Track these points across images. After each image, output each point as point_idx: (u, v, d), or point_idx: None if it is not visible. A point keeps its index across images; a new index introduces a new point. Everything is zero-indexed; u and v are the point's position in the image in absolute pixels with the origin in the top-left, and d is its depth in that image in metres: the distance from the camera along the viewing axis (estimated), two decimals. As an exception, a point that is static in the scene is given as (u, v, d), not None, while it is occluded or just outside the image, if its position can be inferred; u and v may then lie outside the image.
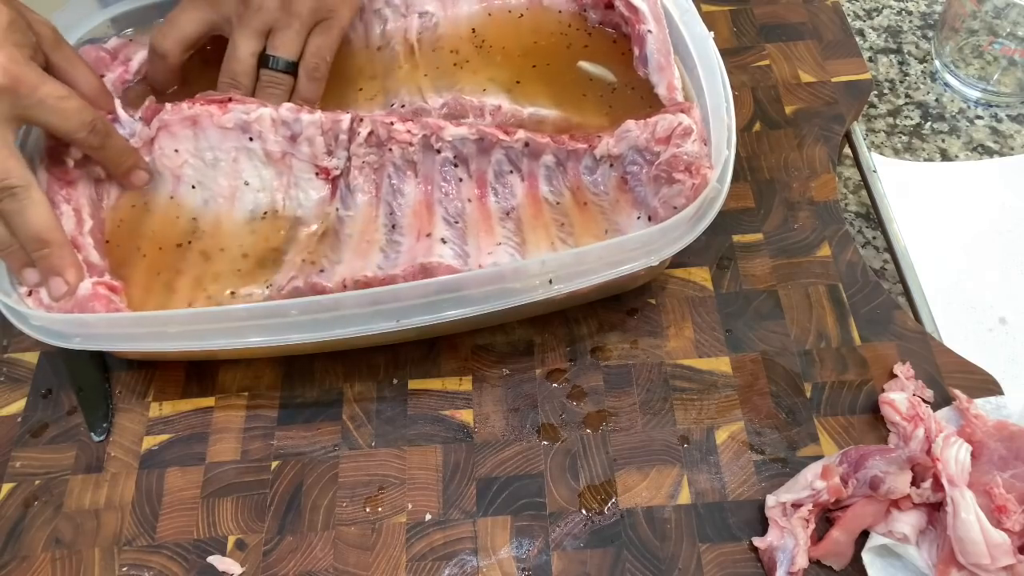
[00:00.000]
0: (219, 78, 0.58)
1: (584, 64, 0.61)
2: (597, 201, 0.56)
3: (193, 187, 0.57)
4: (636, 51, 0.58)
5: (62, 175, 0.55)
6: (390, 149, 0.57)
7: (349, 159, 0.57)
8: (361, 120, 0.56)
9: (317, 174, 0.57)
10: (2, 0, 0.50)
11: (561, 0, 0.64)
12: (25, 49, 0.50)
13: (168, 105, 0.57)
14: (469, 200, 0.56)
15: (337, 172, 0.57)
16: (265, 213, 0.57)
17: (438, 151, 0.56)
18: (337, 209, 0.57)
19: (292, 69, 0.58)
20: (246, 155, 0.57)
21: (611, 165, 0.56)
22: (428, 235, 0.54)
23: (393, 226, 0.56)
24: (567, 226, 0.55)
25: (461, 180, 0.57)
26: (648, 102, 0.58)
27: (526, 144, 0.56)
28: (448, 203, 0.56)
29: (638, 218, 0.54)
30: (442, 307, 0.49)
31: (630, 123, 0.54)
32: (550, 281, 0.49)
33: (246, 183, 0.57)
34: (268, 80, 0.58)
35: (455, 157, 0.56)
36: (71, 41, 0.58)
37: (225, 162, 0.57)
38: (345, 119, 0.56)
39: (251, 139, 0.57)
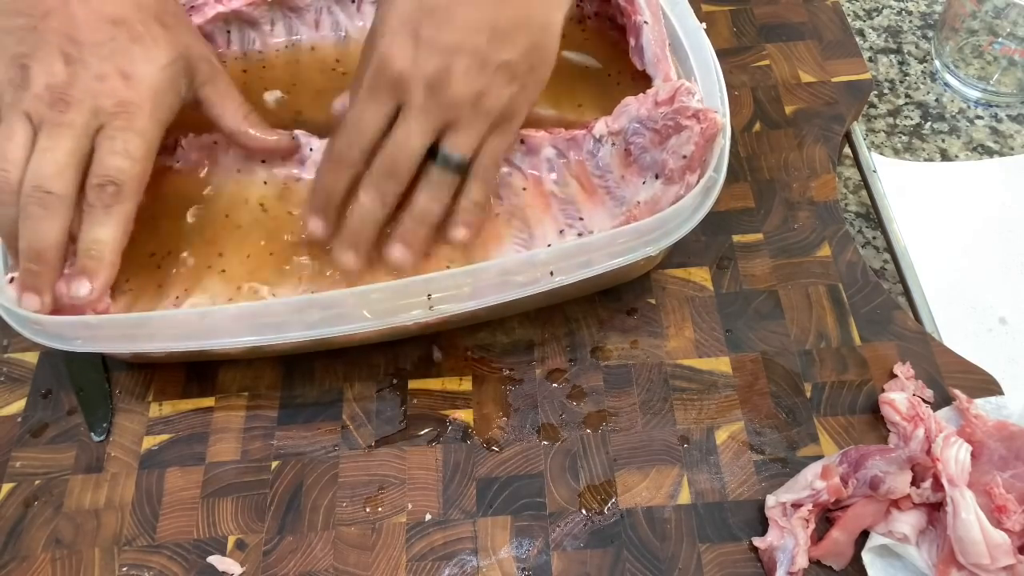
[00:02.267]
0: (373, 166, 0.51)
1: (566, 53, 0.61)
2: (603, 183, 0.56)
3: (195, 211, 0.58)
4: (632, 42, 0.58)
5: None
6: None
7: None
8: None
9: None
10: (169, 43, 0.51)
11: None
12: (163, 102, 0.51)
13: (191, 134, 0.58)
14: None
15: None
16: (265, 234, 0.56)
17: None
18: None
19: (464, 170, 0.51)
20: (252, 178, 0.58)
21: (612, 143, 0.56)
22: (434, 254, 0.54)
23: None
24: (575, 213, 0.55)
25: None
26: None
27: (522, 142, 0.56)
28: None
29: (644, 183, 0.54)
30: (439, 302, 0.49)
31: (628, 98, 0.54)
32: (551, 273, 0.49)
33: (245, 201, 0.57)
34: (439, 179, 0.51)
35: None
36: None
37: (234, 184, 0.58)
38: None
39: (261, 159, 0.57)
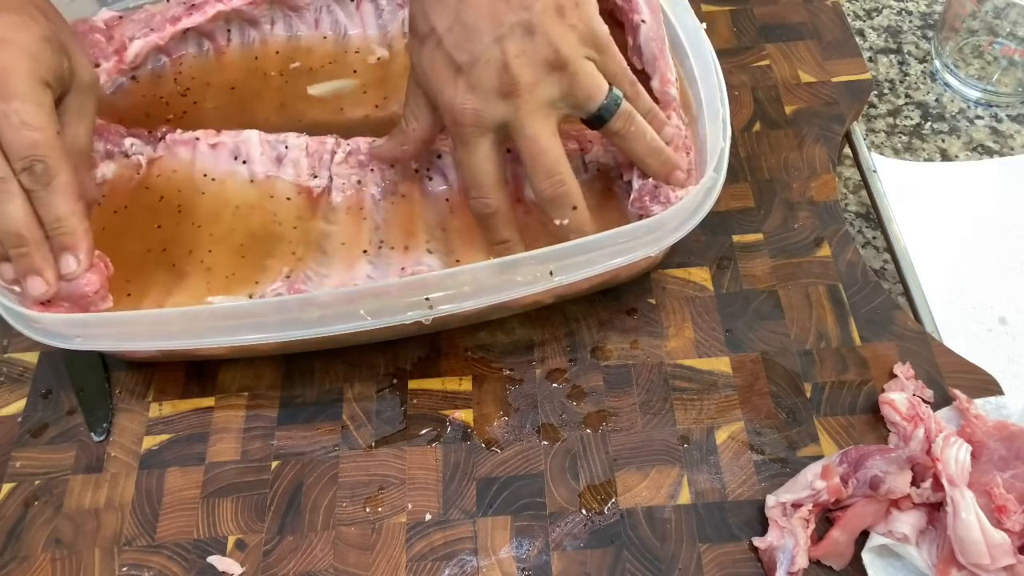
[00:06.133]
0: (535, 184, 0.50)
1: None
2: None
3: (179, 208, 0.57)
4: (630, 41, 0.58)
5: None
6: (372, 169, 0.57)
7: (331, 178, 0.57)
8: (338, 143, 0.57)
9: (299, 192, 0.57)
10: (44, 14, 0.49)
11: None
12: (41, 64, 0.48)
13: (178, 130, 0.58)
14: (452, 211, 0.56)
15: (319, 190, 0.57)
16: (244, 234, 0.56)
17: (416, 170, 0.57)
18: (320, 225, 0.56)
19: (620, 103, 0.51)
20: (232, 177, 0.58)
21: (599, 170, 0.56)
22: (413, 247, 0.55)
23: (380, 242, 0.55)
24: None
25: (442, 189, 0.57)
26: None
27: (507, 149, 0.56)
28: (430, 216, 0.56)
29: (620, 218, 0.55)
30: (438, 301, 0.49)
31: None
32: (551, 272, 0.49)
33: (238, 196, 0.57)
34: (625, 123, 0.51)
35: (430, 170, 0.57)
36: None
37: (216, 182, 0.58)
38: (329, 141, 0.57)
39: (242, 161, 0.58)
